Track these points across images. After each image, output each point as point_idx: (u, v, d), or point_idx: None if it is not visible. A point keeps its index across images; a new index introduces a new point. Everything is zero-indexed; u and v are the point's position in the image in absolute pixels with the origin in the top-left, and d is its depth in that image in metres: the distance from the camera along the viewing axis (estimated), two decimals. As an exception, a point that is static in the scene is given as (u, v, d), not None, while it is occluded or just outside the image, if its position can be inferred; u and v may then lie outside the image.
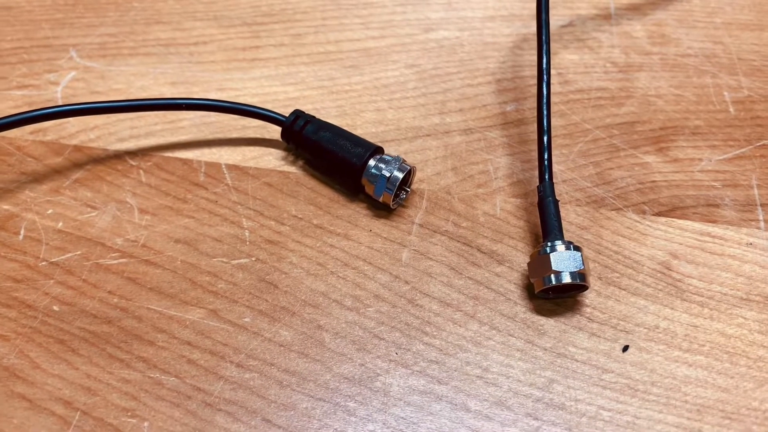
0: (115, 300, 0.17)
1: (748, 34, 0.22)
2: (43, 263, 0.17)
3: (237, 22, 0.23)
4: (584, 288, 0.16)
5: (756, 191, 0.19)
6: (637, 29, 0.22)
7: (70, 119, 0.20)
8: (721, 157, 0.19)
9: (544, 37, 0.19)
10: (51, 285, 0.17)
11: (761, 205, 0.18)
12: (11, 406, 0.15)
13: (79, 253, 0.17)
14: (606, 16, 0.23)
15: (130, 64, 0.21)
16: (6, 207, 0.18)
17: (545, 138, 0.17)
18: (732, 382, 0.15)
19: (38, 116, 0.18)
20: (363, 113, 0.20)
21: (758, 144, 0.20)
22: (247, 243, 0.18)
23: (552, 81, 0.21)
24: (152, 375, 0.16)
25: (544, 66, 0.18)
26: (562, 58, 0.22)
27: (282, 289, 0.17)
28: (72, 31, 0.22)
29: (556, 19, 0.23)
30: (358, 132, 0.19)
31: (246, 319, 0.16)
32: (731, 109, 0.20)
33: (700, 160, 0.19)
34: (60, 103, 0.20)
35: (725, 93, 0.21)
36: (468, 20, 0.23)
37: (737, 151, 0.19)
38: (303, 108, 0.20)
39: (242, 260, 0.17)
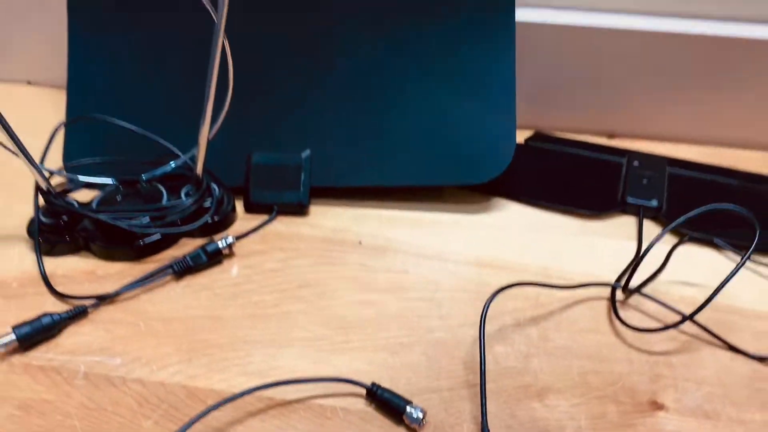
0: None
1: (589, 334, 0.45)
2: (262, 456, 0.39)
3: (322, 327, 0.45)
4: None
5: None
6: (534, 333, 0.46)
7: (264, 383, 0.42)
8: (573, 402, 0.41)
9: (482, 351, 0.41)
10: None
11: None
12: None
13: (278, 451, 0.39)
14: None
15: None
16: None
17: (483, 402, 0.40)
18: None
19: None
20: (399, 380, 0.43)
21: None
22: (352, 447, 0.39)
23: (489, 360, 0.43)
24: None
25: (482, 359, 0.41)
26: (495, 349, 0.44)
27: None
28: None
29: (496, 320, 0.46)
30: (399, 390, 0.41)
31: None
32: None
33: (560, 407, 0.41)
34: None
35: (575, 368, 0.43)
36: (452, 327, 0.46)
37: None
38: (374, 378, 0.42)
39: (351, 455, 0.39)
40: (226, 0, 0.43)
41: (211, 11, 0.44)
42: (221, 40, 0.45)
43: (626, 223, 0.54)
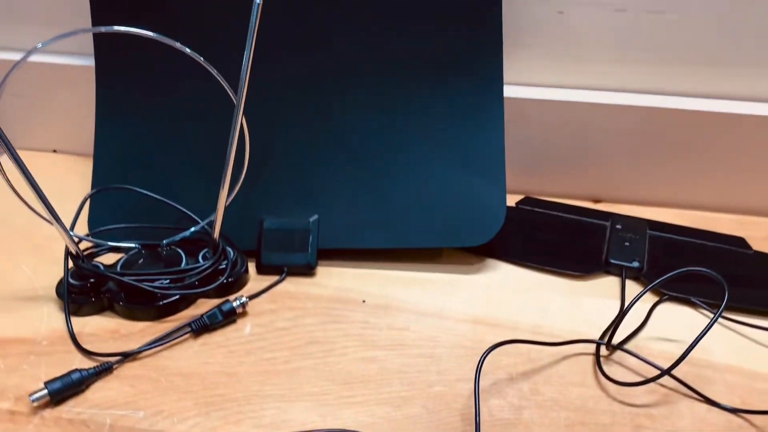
0: None
1: None
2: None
3: (330, 382, 0.49)
4: None
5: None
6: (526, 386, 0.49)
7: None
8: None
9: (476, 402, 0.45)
10: None
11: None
12: None
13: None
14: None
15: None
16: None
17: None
18: None
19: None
20: (401, 429, 0.46)
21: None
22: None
23: (484, 412, 0.47)
24: None
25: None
26: (490, 402, 0.48)
27: None
28: (267, 386, 0.49)
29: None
30: (401, 440, 0.45)
31: None
32: None
33: (549, 454, 0.45)
34: None
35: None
36: (450, 382, 0.49)
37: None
38: (378, 430, 0.46)
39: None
40: (245, 85, 0.48)
41: (231, 95, 0.49)
42: (240, 120, 0.50)
43: (610, 282, 0.58)
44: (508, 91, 0.61)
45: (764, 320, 0.54)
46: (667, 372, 0.47)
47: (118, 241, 0.57)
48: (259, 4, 0.46)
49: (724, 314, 0.49)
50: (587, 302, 0.56)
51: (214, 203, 0.54)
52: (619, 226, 0.62)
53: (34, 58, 0.67)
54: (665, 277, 0.50)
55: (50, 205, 0.49)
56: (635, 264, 0.58)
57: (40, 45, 0.46)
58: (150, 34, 0.47)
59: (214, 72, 0.49)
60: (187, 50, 0.48)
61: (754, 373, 0.50)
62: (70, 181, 0.67)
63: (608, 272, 0.59)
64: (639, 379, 0.49)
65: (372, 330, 0.53)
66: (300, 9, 0.58)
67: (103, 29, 0.47)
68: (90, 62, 0.65)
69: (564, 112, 0.62)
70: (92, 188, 0.61)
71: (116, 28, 0.47)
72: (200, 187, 0.58)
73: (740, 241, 0.62)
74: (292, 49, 0.59)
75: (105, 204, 0.60)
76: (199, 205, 0.58)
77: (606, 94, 0.62)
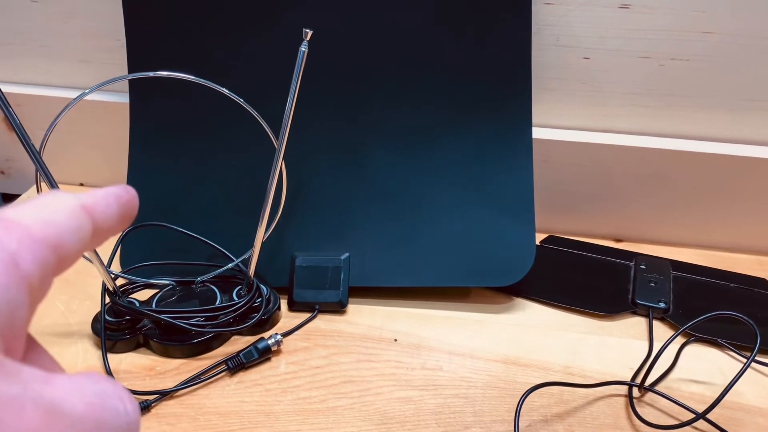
0: None
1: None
2: None
3: (367, 422, 0.50)
4: None
5: None
6: (560, 427, 0.50)
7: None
8: None
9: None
10: None
11: None
12: None
13: None
14: (546, 420, 0.50)
15: (337, 446, 0.48)
16: None
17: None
18: None
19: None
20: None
21: None
22: None
23: None
24: None
25: None
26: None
27: None
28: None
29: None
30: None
31: None
32: None
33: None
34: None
35: None
36: (486, 423, 0.50)
37: None
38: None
39: None
40: (287, 130, 0.49)
41: (273, 139, 0.50)
42: (281, 163, 0.51)
43: (636, 322, 0.59)
44: (534, 133, 0.62)
45: (790, 362, 0.55)
46: (702, 416, 0.48)
47: (151, 278, 0.57)
48: (304, 51, 0.47)
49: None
50: (614, 342, 0.57)
51: (245, 240, 0.54)
52: (643, 266, 0.63)
53: (66, 93, 0.68)
54: (698, 319, 0.51)
55: (91, 243, 0.50)
56: (662, 305, 0.59)
57: (88, 91, 0.47)
58: (194, 78, 0.48)
59: (257, 116, 0.50)
60: (232, 95, 0.49)
61: (783, 416, 0.51)
62: (99, 215, 0.67)
63: (635, 312, 0.60)
64: (671, 420, 0.50)
65: (405, 369, 0.54)
66: (337, 58, 0.59)
67: (151, 74, 0.48)
68: (120, 98, 0.67)
69: (588, 153, 0.64)
70: (126, 224, 0.61)
71: (161, 73, 0.49)
72: (232, 224, 0.59)
73: (763, 282, 0.63)
74: (328, 94, 0.60)
75: (138, 241, 0.60)
76: (231, 242, 0.58)
77: (629, 137, 0.64)
